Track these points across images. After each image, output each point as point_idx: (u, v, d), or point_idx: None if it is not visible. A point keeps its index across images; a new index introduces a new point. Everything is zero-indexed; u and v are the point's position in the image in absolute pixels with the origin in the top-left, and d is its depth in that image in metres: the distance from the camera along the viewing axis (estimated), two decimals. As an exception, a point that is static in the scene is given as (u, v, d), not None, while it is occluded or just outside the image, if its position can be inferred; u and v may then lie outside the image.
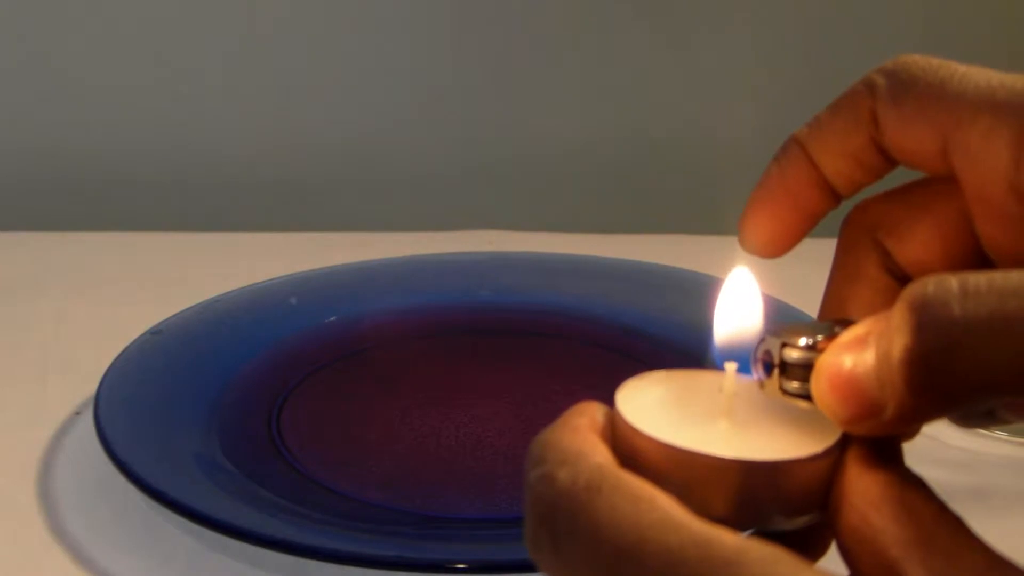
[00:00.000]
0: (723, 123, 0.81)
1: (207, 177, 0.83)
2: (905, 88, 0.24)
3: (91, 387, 0.43)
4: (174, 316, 0.51)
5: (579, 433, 0.21)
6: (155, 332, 0.49)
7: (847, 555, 0.20)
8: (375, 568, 0.33)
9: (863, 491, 0.20)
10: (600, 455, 0.21)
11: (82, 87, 0.81)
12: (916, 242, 0.24)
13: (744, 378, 0.23)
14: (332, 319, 0.54)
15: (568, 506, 0.19)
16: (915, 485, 0.20)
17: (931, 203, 0.24)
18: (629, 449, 0.21)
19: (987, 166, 0.22)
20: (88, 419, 0.41)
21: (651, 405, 0.22)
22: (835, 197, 0.25)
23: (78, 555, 0.37)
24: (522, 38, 0.81)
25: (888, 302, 0.20)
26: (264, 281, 0.56)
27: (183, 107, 0.82)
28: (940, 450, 0.44)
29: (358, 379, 0.50)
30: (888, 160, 0.25)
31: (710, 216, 0.80)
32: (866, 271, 0.25)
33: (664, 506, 0.19)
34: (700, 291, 0.55)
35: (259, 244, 0.72)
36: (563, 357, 0.52)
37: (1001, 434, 0.45)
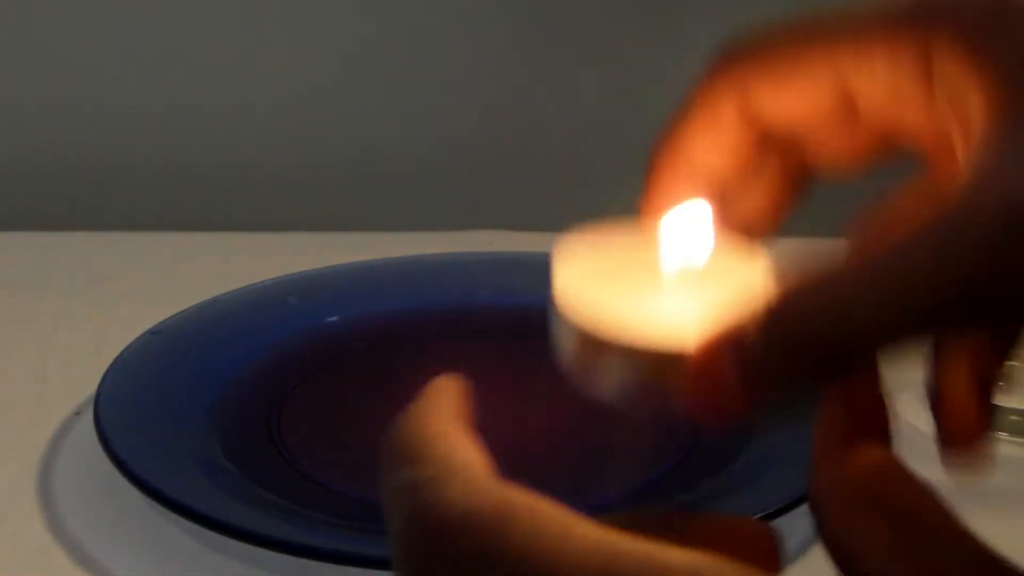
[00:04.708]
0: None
1: (207, 177, 0.83)
2: (772, 52, 0.23)
3: (91, 387, 0.43)
4: (174, 316, 0.51)
5: (450, 427, 0.20)
6: (155, 332, 0.49)
7: (833, 559, 0.19)
8: (375, 568, 0.33)
9: (844, 489, 0.19)
10: (476, 453, 0.19)
11: (82, 87, 0.81)
12: (782, 96, 0.23)
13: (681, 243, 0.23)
14: (332, 319, 0.54)
15: (471, 532, 0.17)
16: (899, 478, 0.19)
17: (814, 60, 0.23)
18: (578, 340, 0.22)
19: (896, 84, 0.21)
20: (88, 419, 0.41)
21: (587, 275, 0.23)
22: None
23: (78, 555, 0.37)
24: (522, 38, 0.81)
25: (732, 151, 0.22)
26: (264, 281, 0.56)
27: (183, 107, 0.82)
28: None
29: (358, 379, 0.50)
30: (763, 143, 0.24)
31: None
32: (723, 112, 0.24)
33: (596, 529, 0.17)
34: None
35: (259, 244, 0.72)
36: (563, 357, 0.52)
37: (1001, 434, 0.45)
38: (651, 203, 0.25)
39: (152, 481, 0.36)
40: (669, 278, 0.23)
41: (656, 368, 0.21)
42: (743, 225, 0.25)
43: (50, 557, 0.37)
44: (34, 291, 0.63)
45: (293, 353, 0.51)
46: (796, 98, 0.23)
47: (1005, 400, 0.45)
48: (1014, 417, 0.45)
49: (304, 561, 0.33)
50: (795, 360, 0.19)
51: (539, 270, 0.64)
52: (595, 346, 0.21)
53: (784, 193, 0.25)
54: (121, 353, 0.46)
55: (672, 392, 0.20)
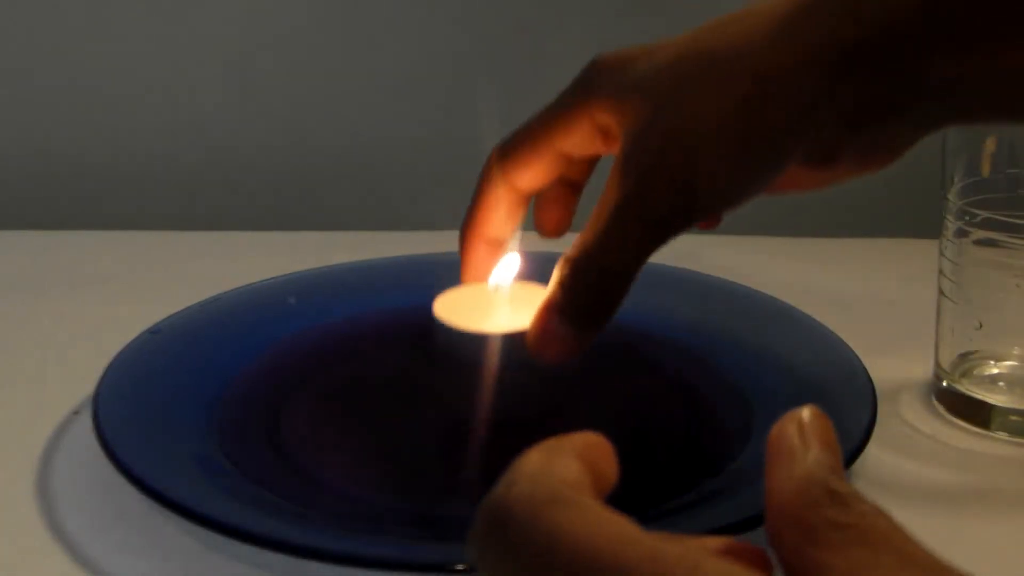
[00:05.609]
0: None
1: (207, 177, 0.83)
2: (519, 148, 0.38)
3: (90, 387, 0.43)
4: (173, 316, 0.51)
5: (559, 455, 0.22)
6: (154, 332, 0.49)
7: None
8: (375, 568, 0.33)
9: (798, 524, 0.19)
10: (571, 474, 0.21)
11: (82, 87, 0.81)
12: (530, 175, 0.38)
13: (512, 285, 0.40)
14: (332, 319, 0.54)
15: (523, 515, 0.20)
16: (850, 505, 0.19)
17: (541, 149, 0.38)
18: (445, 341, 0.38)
19: (584, 138, 0.37)
20: (87, 419, 0.41)
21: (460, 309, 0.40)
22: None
23: (77, 555, 0.37)
24: (522, 38, 0.81)
25: (513, 218, 0.39)
26: (264, 281, 0.56)
27: (183, 107, 0.82)
28: (940, 450, 0.44)
29: (358, 379, 0.50)
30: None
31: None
32: (499, 197, 0.39)
33: (621, 524, 0.19)
34: (700, 291, 0.55)
35: (259, 244, 0.72)
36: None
37: (1001, 434, 0.45)
38: (468, 266, 0.40)
39: (151, 481, 0.36)
40: (498, 301, 0.40)
41: (512, 341, 0.37)
42: (547, 233, 0.41)
43: (49, 557, 0.37)
44: (34, 291, 0.63)
45: (293, 353, 0.51)
46: (539, 174, 0.39)
47: (1005, 400, 0.45)
48: (1014, 417, 0.45)
49: (304, 561, 0.33)
50: (590, 291, 0.34)
51: (540, 270, 0.64)
52: (474, 340, 0.38)
53: (563, 212, 0.41)
54: (120, 353, 0.46)
55: (524, 351, 0.35)
